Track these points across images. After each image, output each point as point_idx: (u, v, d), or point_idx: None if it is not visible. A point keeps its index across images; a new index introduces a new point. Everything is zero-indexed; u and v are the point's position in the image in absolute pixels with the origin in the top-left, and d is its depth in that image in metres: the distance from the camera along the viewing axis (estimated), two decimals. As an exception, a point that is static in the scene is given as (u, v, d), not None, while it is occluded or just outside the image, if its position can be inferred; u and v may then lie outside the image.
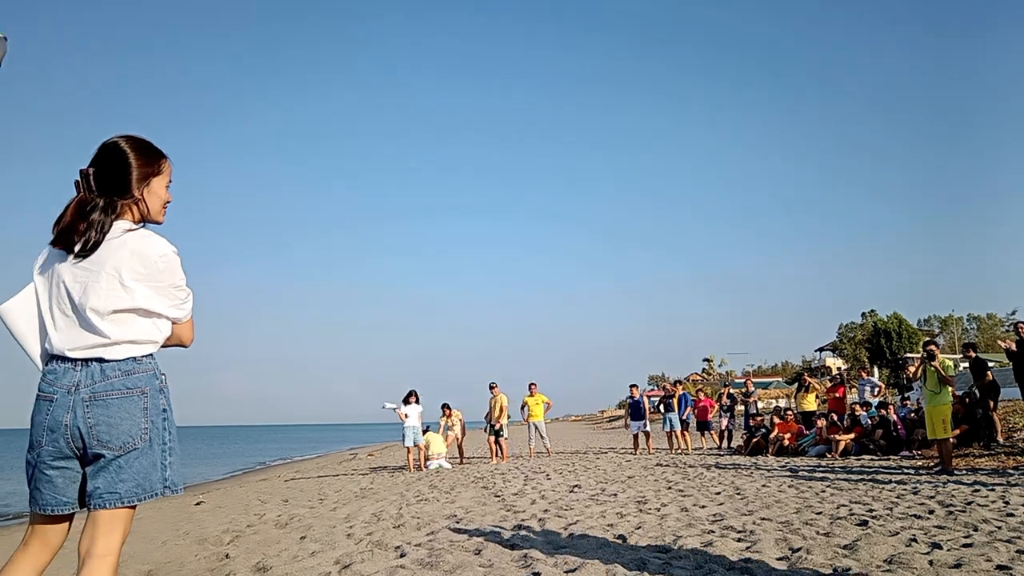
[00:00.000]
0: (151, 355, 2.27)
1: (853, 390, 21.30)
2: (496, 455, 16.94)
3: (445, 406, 17.64)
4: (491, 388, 17.47)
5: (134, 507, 2.20)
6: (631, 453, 17.83)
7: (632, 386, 18.69)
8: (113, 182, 2.24)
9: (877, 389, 17.83)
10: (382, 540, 5.78)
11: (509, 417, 18.27)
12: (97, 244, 2.16)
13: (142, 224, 2.30)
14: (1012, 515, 5.65)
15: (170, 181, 2.40)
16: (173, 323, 2.34)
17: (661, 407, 18.54)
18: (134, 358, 2.20)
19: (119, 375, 2.17)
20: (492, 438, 17.06)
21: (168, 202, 2.40)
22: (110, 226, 2.19)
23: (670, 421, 17.86)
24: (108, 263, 2.16)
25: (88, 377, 2.15)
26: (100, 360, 2.16)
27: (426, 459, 16.11)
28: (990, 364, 14.47)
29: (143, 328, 2.23)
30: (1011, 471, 8.95)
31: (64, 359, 2.18)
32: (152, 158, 2.32)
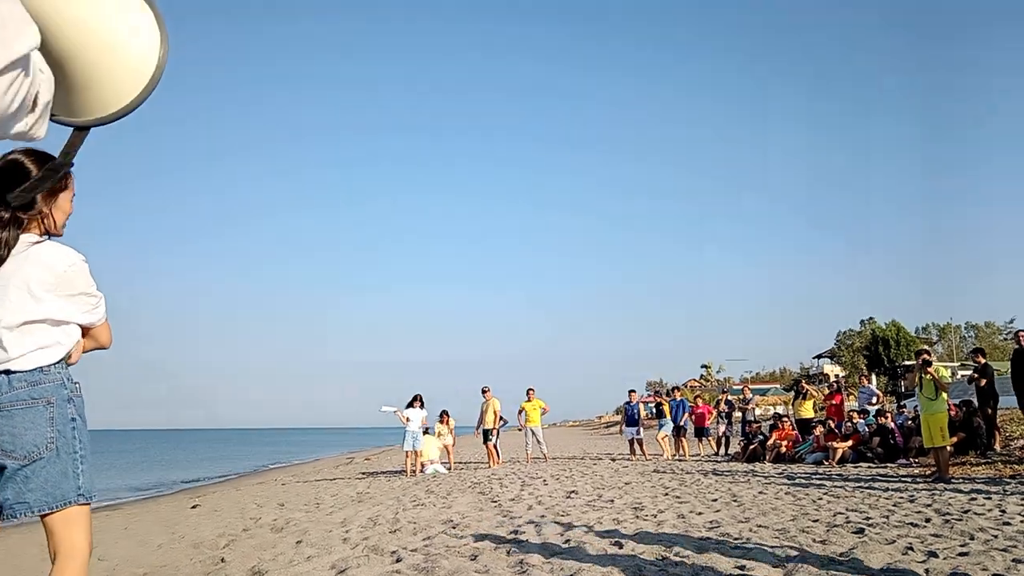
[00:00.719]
0: (60, 363, 2.27)
1: (851, 398, 21.32)
2: (494, 460, 16.93)
3: (444, 413, 17.63)
4: (483, 392, 17.45)
5: (83, 510, 2.24)
6: (628, 459, 17.83)
7: (631, 391, 18.70)
8: (35, 197, 2.22)
9: (876, 398, 17.85)
10: (378, 545, 5.77)
11: (506, 422, 18.27)
12: (2, 260, 2.16)
13: (46, 236, 2.30)
14: (1008, 524, 5.65)
15: (74, 194, 2.39)
16: (88, 328, 2.36)
17: (654, 411, 18.64)
18: (41, 368, 2.21)
19: (25, 385, 2.17)
20: (491, 443, 17.08)
21: (70, 214, 2.40)
22: (15, 241, 2.19)
23: (662, 426, 17.93)
24: (15, 276, 2.17)
25: None
26: (6, 372, 2.16)
27: (422, 464, 16.10)
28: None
29: (51, 337, 2.24)
30: (1008, 480, 8.95)
31: None
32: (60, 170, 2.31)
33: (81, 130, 1.42)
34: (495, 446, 17.74)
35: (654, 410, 18.26)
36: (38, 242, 2.25)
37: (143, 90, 1.40)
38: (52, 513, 2.19)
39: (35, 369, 2.19)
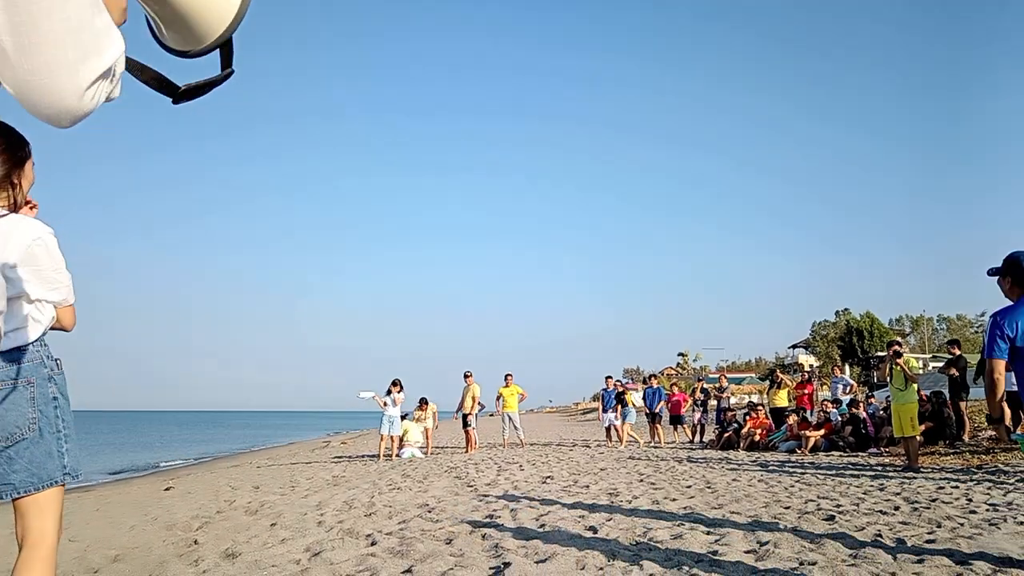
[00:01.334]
0: (38, 341, 2.21)
1: (825, 387, 21.59)
2: (472, 445, 16.97)
3: (423, 401, 17.59)
4: (465, 377, 17.48)
5: (57, 490, 2.19)
6: (604, 445, 17.93)
7: (607, 377, 18.76)
8: (6, 166, 2.16)
9: (849, 387, 18.09)
10: (353, 528, 5.77)
11: (483, 407, 18.31)
12: None
13: (12, 210, 2.21)
14: (975, 512, 5.77)
15: (34, 162, 2.31)
16: (55, 307, 2.29)
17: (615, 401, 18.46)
18: (19, 348, 2.15)
19: (3, 366, 2.12)
20: (470, 428, 17.10)
21: (32, 183, 2.32)
22: None
23: (626, 416, 17.84)
24: None
25: None
26: None
27: (400, 447, 16.11)
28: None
29: (25, 316, 2.17)
30: (975, 470, 9.12)
31: None
32: (23, 142, 2.22)
33: (224, 46, 1.42)
34: (468, 431, 17.81)
35: (614, 399, 18.07)
36: (3, 215, 2.16)
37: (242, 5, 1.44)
38: (29, 495, 2.14)
39: (12, 349, 2.14)
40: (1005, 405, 12.33)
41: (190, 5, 1.35)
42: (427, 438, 17.40)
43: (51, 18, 0.89)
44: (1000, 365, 3.94)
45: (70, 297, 2.32)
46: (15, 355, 2.14)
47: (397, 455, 15.89)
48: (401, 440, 16.30)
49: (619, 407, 17.75)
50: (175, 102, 1.32)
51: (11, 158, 2.17)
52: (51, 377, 2.22)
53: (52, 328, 2.32)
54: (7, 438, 2.11)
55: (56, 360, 2.26)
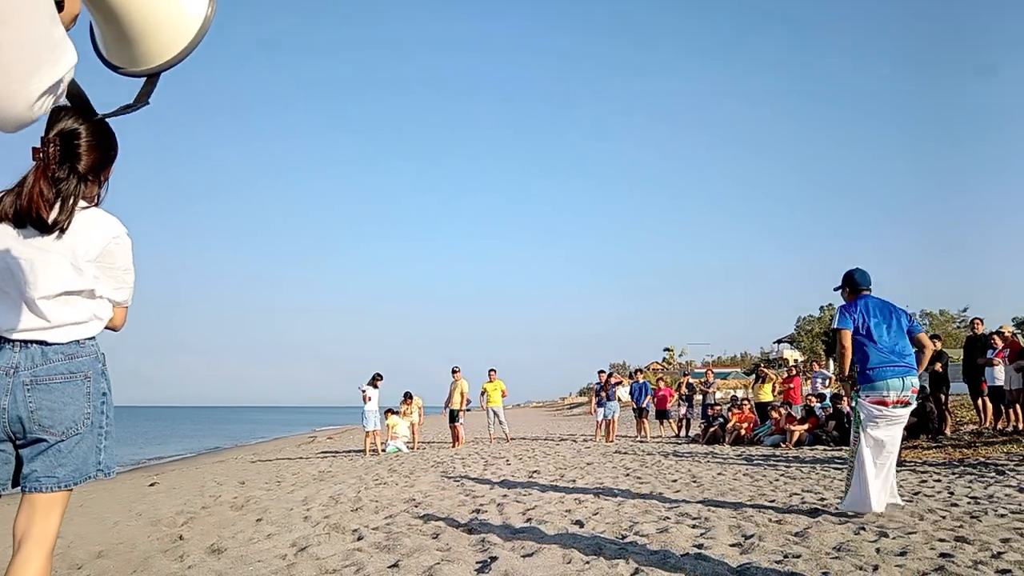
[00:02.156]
0: (93, 338, 2.19)
1: (807, 382, 21.74)
2: (460, 440, 16.97)
3: (407, 395, 17.55)
4: (453, 373, 17.46)
5: (71, 490, 2.16)
6: (591, 440, 17.97)
7: (600, 371, 18.79)
8: (98, 160, 2.15)
9: (829, 380, 18.24)
10: (339, 523, 5.76)
11: (470, 403, 18.32)
12: (69, 222, 2.05)
13: (96, 203, 2.22)
14: (956, 505, 5.83)
15: None
16: (114, 306, 2.27)
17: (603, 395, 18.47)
18: (77, 341, 2.13)
19: (62, 359, 2.09)
20: (458, 423, 17.10)
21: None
22: (77, 204, 2.09)
23: (611, 410, 17.88)
24: (60, 243, 2.07)
25: (28, 360, 2.06)
26: (42, 343, 2.07)
27: (383, 442, 16.10)
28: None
29: (88, 310, 2.15)
30: (956, 463, 9.22)
31: (1, 340, 2.07)
32: (116, 143, 2.23)
33: (152, 78, 1.43)
34: (455, 426, 17.82)
35: (633, 392, 18.09)
36: (85, 208, 2.14)
37: (198, 32, 1.45)
38: (59, 492, 2.10)
39: (72, 342, 2.11)
40: (988, 400, 12.53)
41: (141, 29, 1.36)
42: (413, 433, 17.38)
43: (10, 25, 0.88)
44: (847, 334, 5.45)
45: (130, 299, 2.32)
46: (73, 348, 2.12)
47: (382, 449, 15.87)
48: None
49: (603, 397, 17.78)
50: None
51: (105, 155, 2.17)
52: (103, 372, 2.21)
53: (106, 328, 2.30)
54: (63, 432, 2.08)
55: (103, 355, 2.24)
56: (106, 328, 2.30)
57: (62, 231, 2.05)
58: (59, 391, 2.08)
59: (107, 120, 2.09)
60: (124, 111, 1.40)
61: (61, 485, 2.10)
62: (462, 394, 17.17)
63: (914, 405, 5.49)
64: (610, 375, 18.74)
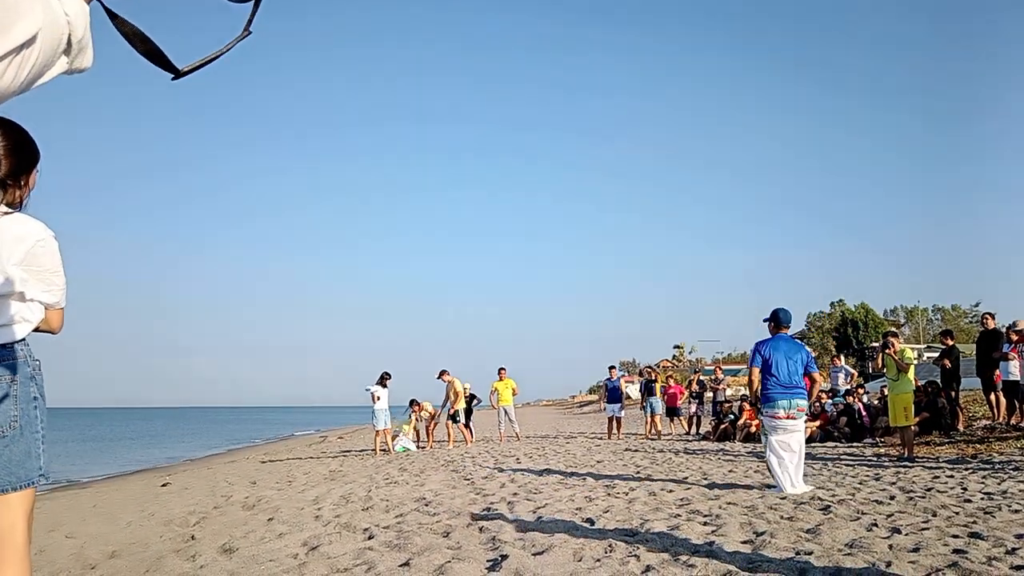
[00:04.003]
0: (23, 341, 2.19)
1: (827, 378, 21.62)
2: (453, 440, 16.94)
3: (414, 402, 17.53)
4: (441, 375, 17.33)
5: (29, 491, 2.17)
6: (600, 438, 17.95)
7: (611, 368, 18.74)
8: (17, 164, 2.11)
9: (850, 376, 18.07)
10: (350, 522, 5.77)
11: (479, 401, 18.33)
12: None
13: (19, 208, 2.19)
14: (969, 501, 5.79)
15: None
16: (46, 308, 2.27)
17: (644, 392, 18.53)
18: (4, 345, 2.13)
19: None
20: (460, 423, 17.08)
21: (32, 189, 2.28)
22: None
23: (651, 405, 17.93)
24: None
25: None
26: None
27: (394, 437, 16.19)
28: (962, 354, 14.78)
29: (16, 314, 2.15)
30: (970, 459, 9.16)
31: None
32: (34, 146, 2.19)
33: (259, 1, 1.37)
34: (467, 425, 17.80)
35: (641, 390, 18.12)
36: (7, 213, 2.13)
37: None
38: (4, 495, 2.11)
39: (0, 347, 2.12)
40: (1002, 395, 12.44)
41: None
42: (428, 434, 17.44)
43: None
44: (756, 371, 7.31)
45: (63, 301, 2.30)
46: (1, 353, 2.12)
47: (392, 448, 15.92)
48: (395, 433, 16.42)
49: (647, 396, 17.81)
50: (174, 79, 1.27)
51: (24, 159, 2.15)
52: (33, 376, 2.19)
53: (39, 330, 2.29)
54: None
55: (37, 361, 2.23)
56: (43, 331, 2.30)
57: None
58: None
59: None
60: (226, 49, 1.33)
61: None
62: (456, 393, 17.11)
63: (802, 420, 7.23)
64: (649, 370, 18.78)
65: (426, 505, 6.57)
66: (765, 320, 7.61)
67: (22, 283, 2.12)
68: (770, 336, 7.45)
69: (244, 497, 8.25)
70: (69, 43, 1.05)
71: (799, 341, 7.65)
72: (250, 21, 1.37)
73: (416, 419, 17.36)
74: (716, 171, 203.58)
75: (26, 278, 2.13)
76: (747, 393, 22.50)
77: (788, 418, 7.07)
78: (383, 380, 15.90)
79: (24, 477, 2.14)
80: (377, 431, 15.72)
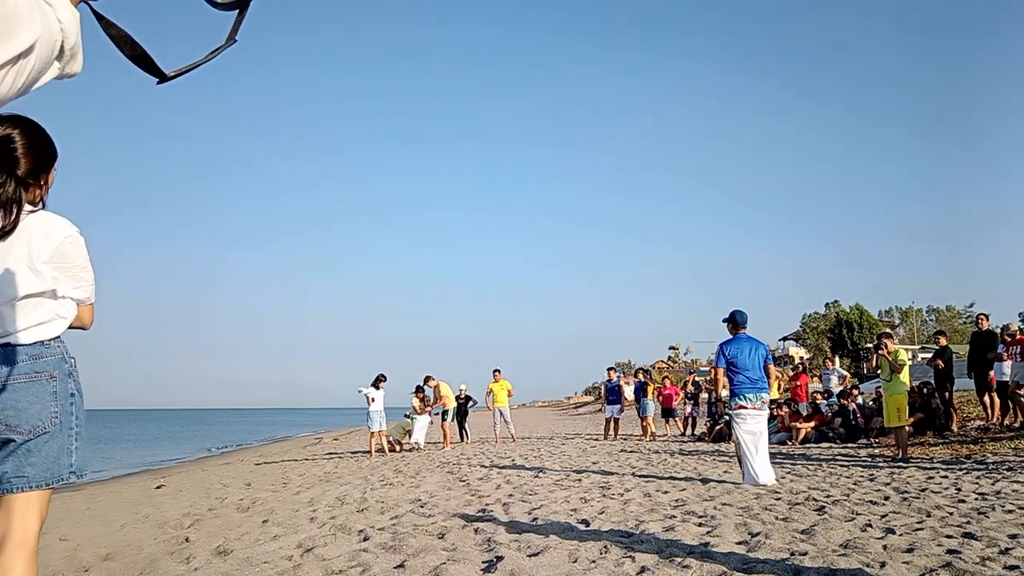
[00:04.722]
0: (59, 338, 2.22)
1: (816, 379, 21.68)
2: (449, 441, 16.93)
3: (419, 389, 17.42)
4: (426, 381, 17.30)
5: (50, 490, 2.18)
6: (597, 439, 17.95)
7: (610, 369, 18.76)
8: (36, 163, 2.11)
9: (843, 379, 18.15)
10: (345, 524, 5.76)
11: (475, 403, 18.35)
12: (15, 227, 2.01)
13: (41, 206, 2.22)
14: (963, 501, 5.81)
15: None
16: (78, 304, 2.30)
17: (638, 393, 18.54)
18: (42, 342, 2.16)
19: (27, 359, 2.13)
20: (449, 421, 17.11)
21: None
22: (22, 208, 2.06)
23: (644, 407, 17.96)
24: (15, 247, 2.11)
25: None
26: (6, 346, 2.11)
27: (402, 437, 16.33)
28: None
29: (50, 311, 2.19)
30: (964, 459, 9.18)
31: None
32: (53, 144, 2.19)
33: (244, 8, 1.38)
34: (463, 427, 17.80)
35: (635, 391, 18.18)
36: (33, 211, 2.17)
37: None
38: (34, 491, 2.13)
39: (36, 343, 2.15)
40: (996, 396, 12.48)
41: None
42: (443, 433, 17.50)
43: None
44: (720, 371, 8.02)
45: (92, 296, 2.34)
46: (38, 349, 2.15)
47: (391, 450, 15.92)
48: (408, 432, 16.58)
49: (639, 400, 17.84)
50: (159, 83, 1.29)
51: (43, 157, 2.16)
52: (71, 373, 2.23)
53: (72, 327, 2.33)
54: (30, 431, 2.10)
55: (73, 358, 2.27)
56: (75, 328, 2.34)
57: (6, 235, 2.02)
58: (24, 391, 2.11)
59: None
60: (211, 56, 1.35)
61: (31, 485, 2.12)
62: (443, 397, 17.13)
63: (766, 412, 7.96)
64: (636, 374, 18.81)
65: (421, 507, 6.56)
66: (724, 321, 8.20)
67: (53, 280, 2.17)
68: (731, 336, 8.05)
69: (239, 499, 8.23)
70: (62, 49, 1.07)
71: (757, 338, 8.11)
72: (235, 30, 1.39)
73: (420, 407, 17.17)
74: (711, 174, 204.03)
75: (57, 275, 2.18)
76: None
77: (755, 409, 7.77)
78: (378, 382, 15.88)
79: (56, 474, 2.17)
80: (372, 433, 15.70)
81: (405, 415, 17.33)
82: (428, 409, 17.06)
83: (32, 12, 0.97)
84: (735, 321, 8.07)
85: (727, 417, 16.39)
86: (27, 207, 2.13)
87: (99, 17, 1.18)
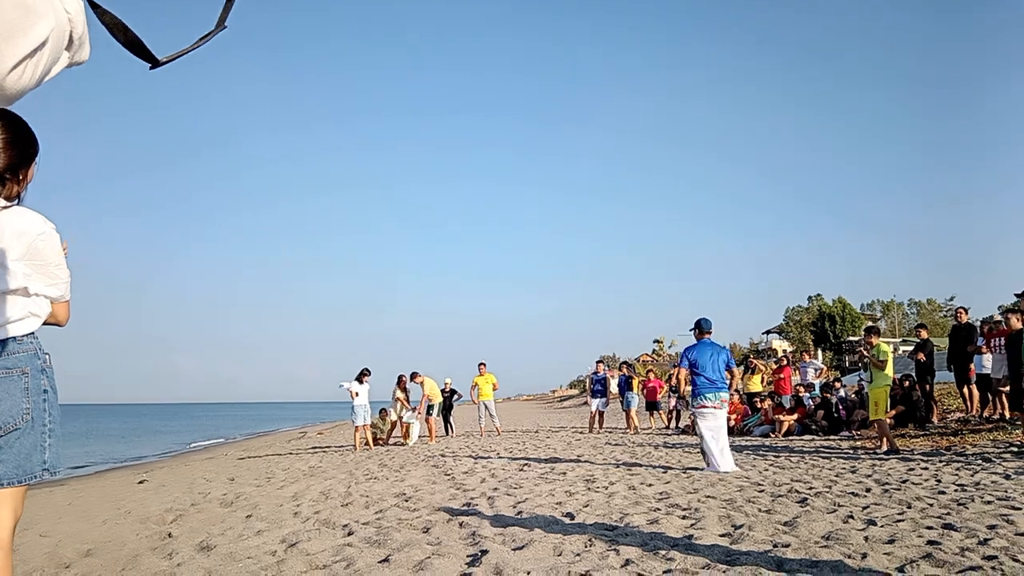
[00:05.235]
0: (32, 334, 2.19)
1: (796, 372, 21.85)
2: (434, 435, 16.91)
3: (400, 379, 17.32)
4: (413, 377, 17.24)
5: (24, 487, 2.15)
6: (581, 432, 18.00)
7: (598, 362, 18.78)
8: (15, 157, 2.09)
9: (819, 371, 18.33)
10: (329, 518, 5.74)
11: (460, 396, 18.35)
12: None
13: (16, 202, 2.18)
14: (943, 493, 5.87)
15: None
16: (52, 302, 2.27)
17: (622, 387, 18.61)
18: (14, 338, 2.13)
19: None
20: (433, 416, 17.08)
21: (30, 181, 2.26)
22: None
23: (628, 401, 18.00)
24: None
25: None
26: None
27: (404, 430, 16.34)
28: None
29: (23, 308, 2.15)
30: (944, 451, 9.29)
31: None
32: (34, 138, 2.17)
33: None
34: (448, 420, 17.78)
35: (620, 385, 18.24)
36: (6, 207, 2.12)
37: None
38: (5, 488, 2.10)
39: (8, 339, 2.11)
40: (975, 388, 12.63)
41: None
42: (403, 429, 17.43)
43: None
44: (683, 371, 8.99)
45: (67, 293, 2.31)
46: (10, 345, 2.12)
47: (384, 442, 15.91)
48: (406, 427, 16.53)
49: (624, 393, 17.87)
50: (152, 68, 1.29)
51: (22, 152, 2.12)
52: (44, 369, 2.20)
53: (47, 323, 2.30)
54: (1, 428, 2.08)
55: (47, 354, 2.24)
56: (50, 324, 2.31)
57: None
58: None
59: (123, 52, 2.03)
60: (202, 42, 1.35)
61: (3, 482, 2.10)
62: (429, 394, 17.10)
63: (725, 410, 8.58)
64: (630, 366, 18.85)
65: (406, 501, 6.56)
66: (691, 329, 9.00)
67: (25, 278, 2.12)
68: (696, 342, 8.81)
69: (222, 494, 8.18)
70: (71, 39, 1.08)
71: (719, 344, 8.88)
72: (224, 15, 1.39)
73: (404, 399, 17.07)
74: (693, 168, 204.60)
75: (29, 273, 2.13)
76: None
77: (715, 408, 8.48)
78: (361, 376, 15.83)
79: (28, 471, 2.15)
80: (356, 427, 15.67)
81: (382, 410, 17.21)
82: (419, 410, 16.97)
83: (46, 3, 0.99)
84: (700, 328, 8.84)
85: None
86: (2, 202, 2.10)
87: (93, 5, 1.20)
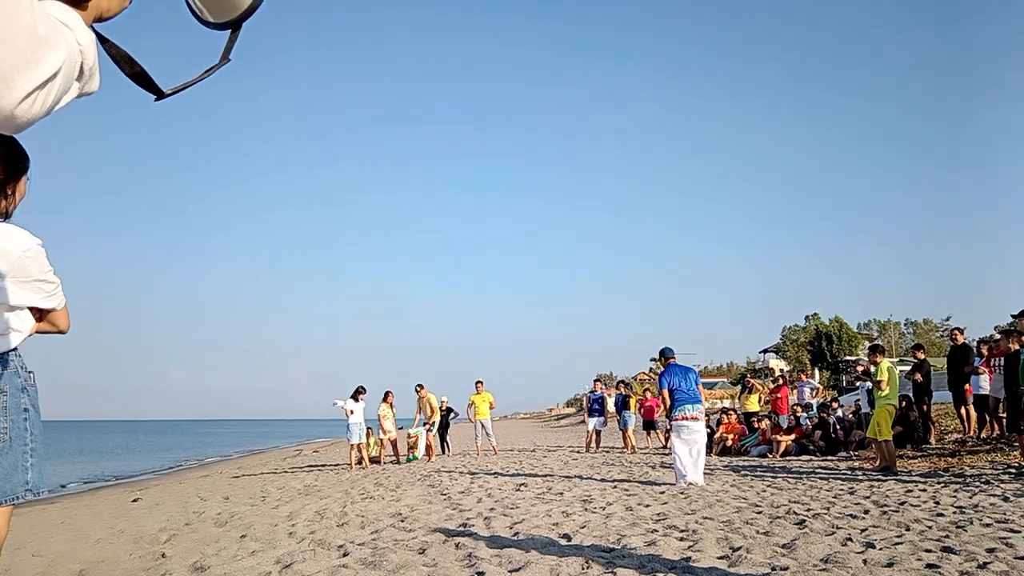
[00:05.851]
0: (15, 350, 2.18)
1: (794, 391, 21.85)
2: (434, 453, 16.85)
3: (388, 393, 17.22)
4: (417, 389, 17.22)
5: (8, 508, 2.13)
6: (579, 452, 17.93)
7: (596, 380, 18.76)
8: (4, 173, 2.09)
9: (815, 391, 18.33)
10: (325, 539, 5.70)
11: (457, 415, 18.29)
12: None
13: (4, 218, 2.17)
14: (942, 515, 5.85)
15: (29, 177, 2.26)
16: (48, 312, 2.26)
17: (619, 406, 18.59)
18: None
19: None
20: (432, 433, 17.03)
21: (23, 198, 2.26)
22: None
23: (624, 420, 17.95)
24: None
25: None
26: None
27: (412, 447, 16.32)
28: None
29: (5, 324, 2.14)
30: (942, 472, 9.26)
31: None
32: (23, 155, 2.16)
33: (236, 29, 1.42)
34: (444, 439, 17.69)
35: (616, 404, 18.23)
36: None
37: None
38: None
39: None
40: (972, 409, 12.63)
41: None
42: (394, 448, 17.31)
43: None
44: (666, 392, 9.42)
45: (62, 301, 2.29)
46: None
47: (371, 463, 15.80)
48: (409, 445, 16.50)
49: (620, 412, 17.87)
50: (157, 99, 1.32)
51: (10, 167, 2.12)
52: (24, 388, 2.17)
53: (47, 332, 2.29)
54: None
55: (30, 372, 2.21)
56: (50, 333, 2.30)
57: None
58: None
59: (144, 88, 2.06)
60: (207, 75, 1.38)
61: None
62: (432, 408, 17.08)
63: (702, 422, 9.32)
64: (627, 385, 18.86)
65: (402, 521, 6.51)
66: (654, 359, 11.14)
67: (12, 295, 2.11)
68: (665, 366, 9.77)
69: (216, 513, 8.13)
70: (81, 70, 1.10)
71: (686, 365, 9.92)
72: (228, 49, 1.42)
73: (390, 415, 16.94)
74: (688, 186, 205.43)
75: (15, 290, 2.12)
76: (726, 406, 22.75)
77: (692, 419, 9.16)
78: (357, 394, 15.78)
79: (9, 492, 2.11)
80: (352, 445, 15.61)
81: (367, 430, 17.10)
82: (428, 423, 16.97)
83: (58, 35, 1.00)
84: (665, 356, 9.88)
85: (708, 430, 16.49)
86: None
87: (101, 38, 1.22)
